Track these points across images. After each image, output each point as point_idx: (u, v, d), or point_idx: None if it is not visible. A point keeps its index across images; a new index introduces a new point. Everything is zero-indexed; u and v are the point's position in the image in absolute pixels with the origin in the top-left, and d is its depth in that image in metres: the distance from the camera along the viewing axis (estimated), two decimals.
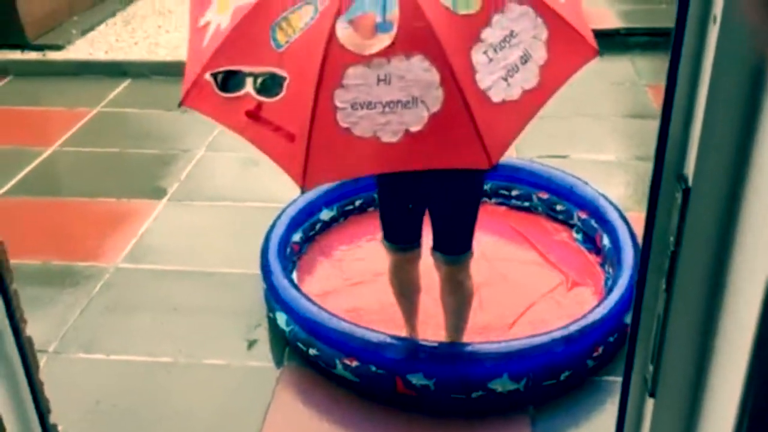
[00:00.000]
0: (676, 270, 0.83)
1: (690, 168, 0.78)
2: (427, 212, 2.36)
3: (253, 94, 1.84)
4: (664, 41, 4.38)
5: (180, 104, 1.96)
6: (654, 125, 0.75)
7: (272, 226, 3.18)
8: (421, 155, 1.82)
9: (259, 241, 3.11)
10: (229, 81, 1.88)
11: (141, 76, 5.52)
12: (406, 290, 2.60)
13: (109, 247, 3.53)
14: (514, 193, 3.55)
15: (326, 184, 3.12)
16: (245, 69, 1.85)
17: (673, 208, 0.80)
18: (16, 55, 5.72)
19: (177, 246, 3.54)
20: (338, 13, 1.74)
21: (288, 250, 3.15)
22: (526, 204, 3.54)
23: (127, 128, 4.80)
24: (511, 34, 1.77)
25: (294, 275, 3.09)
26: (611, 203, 3.21)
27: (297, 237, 3.27)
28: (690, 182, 0.78)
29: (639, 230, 3.05)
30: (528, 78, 1.80)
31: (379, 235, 2.49)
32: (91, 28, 6.28)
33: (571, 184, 3.39)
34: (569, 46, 1.86)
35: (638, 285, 0.91)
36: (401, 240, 2.44)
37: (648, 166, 0.89)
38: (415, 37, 1.72)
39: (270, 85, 1.82)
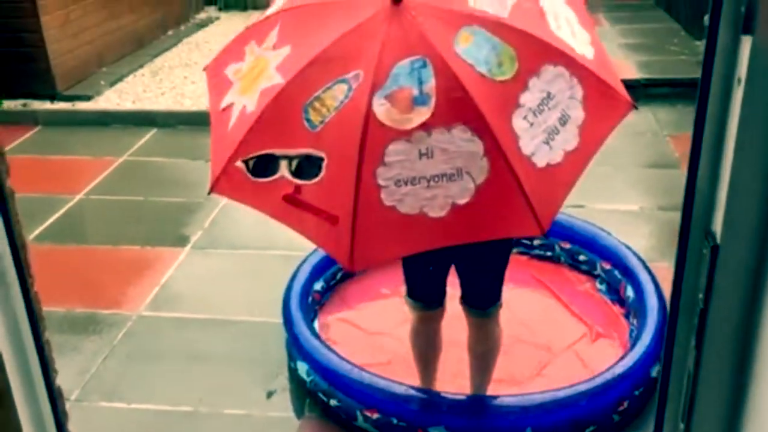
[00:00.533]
0: (706, 327, 0.83)
1: (718, 225, 0.78)
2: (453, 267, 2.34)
3: (289, 178, 1.77)
4: (684, 92, 4.42)
5: (210, 192, 1.91)
6: (675, 175, 0.75)
7: (294, 275, 3.19)
8: (471, 227, 1.76)
9: (281, 289, 3.12)
10: (262, 166, 1.81)
11: (167, 126, 5.63)
12: (427, 350, 2.56)
13: (133, 295, 3.55)
14: (536, 242, 3.54)
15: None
16: (278, 152, 1.78)
17: (702, 264, 0.80)
18: (46, 105, 5.87)
19: (199, 294, 3.56)
20: (373, 90, 1.68)
21: (310, 299, 3.15)
22: (549, 254, 3.53)
23: (152, 176, 4.87)
24: (549, 96, 1.73)
25: (315, 324, 3.09)
26: (635, 254, 3.19)
27: (318, 286, 3.27)
28: (718, 239, 0.78)
29: (663, 281, 3.01)
30: (568, 139, 1.76)
31: (402, 287, 2.48)
32: (120, 79, 6.44)
33: (594, 234, 3.38)
34: (605, 103, 1.83)
35: (667, 342, 0.90)
36: (425, 299, 2.42)
37: (671, 216, 0.89)
38: (455, 107, 1.67)
39: (306, 167, 1.75)
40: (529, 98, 1.72)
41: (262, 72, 1.85)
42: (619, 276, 3.18)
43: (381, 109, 1.68)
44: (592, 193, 4.28)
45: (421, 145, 1.67)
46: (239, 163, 1.82)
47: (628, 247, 3.25)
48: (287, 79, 1.78)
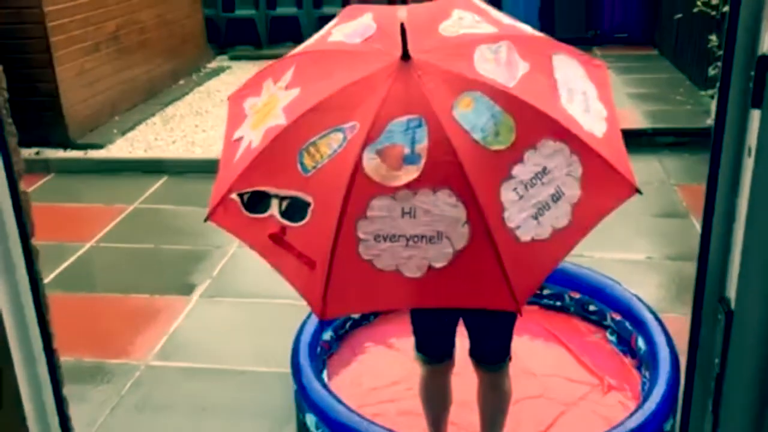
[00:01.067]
0: (723, 392, 0.83)
1: (732, 291, 0.79)
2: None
3: (277, 217, 1.78)
4: (690, 141, 4.44)
5: (206, 219, 1.93)
6: (684, 224, 0.76)
7: (303, 324, 3.17)
8: (445, 293, 1.75)
9: (289, 338, 3.11)
10: (255, 201, 1.83)
11: (177, 174, 5.69)
12: (437, 403, 2.53)
13: (141, 344, 3.55)
14: (545, 292, 3.53)
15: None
16: (271, 191, 1.80)
17: (717, 330, 0.80)
18: (59, 153, 5.96)
19: (208, 343, 3.55)
20: (366, 143, 1.69)
21: (318, 348, 3.13)
22: (558, 303, 3.51)
23: (162, 224, 4.91)
24: (544, 171, 1.70)
25: (324, 375, 3.07)
26: (645, 305, 3.17)
27: (327, 335, 3.26)
28: (732, 305, 0.79)
29: (674, 333, 2.99)
30: (559, 217, 1.72)
31: (411, 338, 2.47)
32: (132, 128, 6.54)
33: (603, 284, 3.37)
34: (605, 185, 1.79)
35: (684, 406, 0.90)
36: (434, 352, 2.41)
37: (680, 266, 0.90)
38: (443, 171, 1.66)
39: (295, 209, 1.77)
40: (522, 171, 1.69)
41: (271, 110, 1.88)
42: (629, 327, 3.16)
43: (371, 163, 1.69)
44: (600, 241, 4.26)
45: (404, 204, 1.67)
46: (235, 196, 1.84)
47: (639, 298, 3.23)
48: (289, 122, 1.80)
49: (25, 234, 0.95)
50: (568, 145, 1.73)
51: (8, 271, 0.97)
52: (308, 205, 1.75)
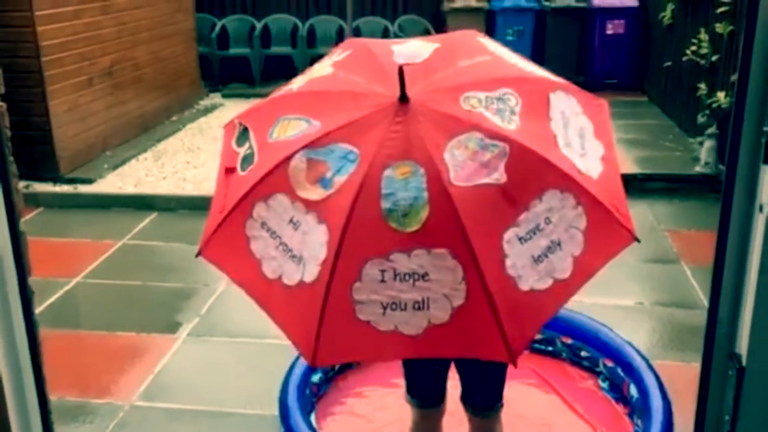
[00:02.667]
0: None
1: (743, 347, 0.78)
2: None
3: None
4: (679, 187, 4.48)
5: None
6: (675, 270, 0.75)
7: (292, 366, 3.13)
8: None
9: (277, 379, 3.06)
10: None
11: (167, 210, 5.66)
12: None
13: (125, 384, 3.48)
14: (537, 336, 3.50)
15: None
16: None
17: (728, 386, 0.79)
18: (48, 187, 5.92)
19: (194, 384, 3.49)
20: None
21: (307, 390, 3.08)
22: (550, 349, 3.48)
23: (150, 261, 4.86)
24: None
25: (313, 418, 3.01)
26: (638, 351, 3.15)
27: (316, 377, 3.21)
28: (744, 361, 0.77)
29: (667, 380, 2.97)
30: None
31: (402, 382, 2.44)
32: (123, 163, 6.52)
33: (595, 330, 3.35)
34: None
35: None
36: (425, 397, 2.37)
37: (671, 313, 0.88)
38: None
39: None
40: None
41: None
42: (622, 374, 3.13)
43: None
44: (591, 286, 4.24)
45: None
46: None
47: (631, 345, 3.21)
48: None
49: (23, 276, 0.93)
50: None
51: (5, 315, 0.95)
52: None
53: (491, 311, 1.63)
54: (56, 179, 6.01)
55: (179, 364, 3.64)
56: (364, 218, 1.64)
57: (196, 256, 1.91)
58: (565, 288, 1.72)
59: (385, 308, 1.64)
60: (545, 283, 1.68)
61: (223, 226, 1.82)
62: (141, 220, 5.47)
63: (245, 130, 1.92)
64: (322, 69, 2.00)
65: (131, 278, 4.57)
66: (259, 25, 9.60)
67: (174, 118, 8.09)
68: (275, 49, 9.56)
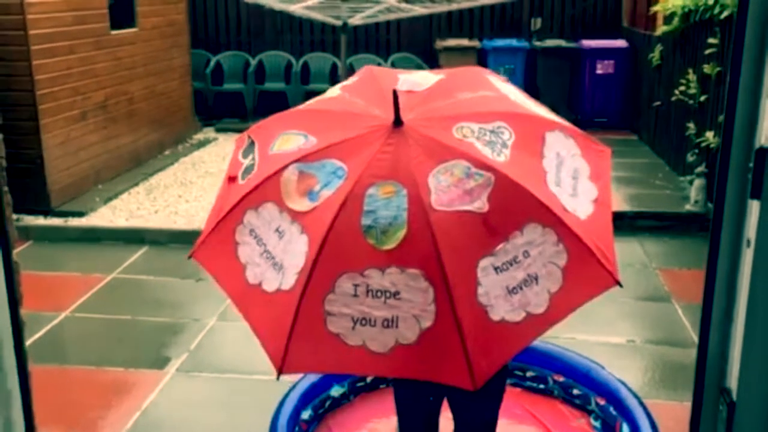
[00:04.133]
0: None
1: (733, 382, 0.78)
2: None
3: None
4: (669, 225, 4.50)
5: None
6: (666, 308, 0.75)
7: (281, 403, 3.09)
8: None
9: (266, 416, 3.02)
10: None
11: (158, 244, 5.64)
12: None
13: (112, 420, 3.42)
14: (528, 374, 3.48)
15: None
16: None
17: (719, 421, 0.78)
18: (39, 220, 5.90)
19: (181, 421, 3.44)
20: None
21: (297, 428, 3.04)
22: (542, 386, 3.46)
23: (140, 295, 4.83)
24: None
25: None
26: (630, 390, 3.14)
27: (306, 415, 3.17)
28: (734, 396, 0.77)
29: (658, 419, 2.94)
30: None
31: (393, 419, 2.42)
32: (115, 197, 6.51)
33: (587, 368, 3.33)
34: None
35: None
36: None
37: (662, 351, 0.88)
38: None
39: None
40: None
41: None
42: (614, 412, 3.11)
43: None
44: (582, 324, 4.26)
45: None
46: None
47: (623, 383, 3.20)
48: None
49: (15, 306, 0.92)
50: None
51: None
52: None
53: (458, 336, 1.64)
54: (47, 212, 5.99)
55: (167, 401, 3.60)
56: (343, 232, 1.68)
57: (188, 257, 1.98)
58: (539, 323, 1.72)
59: (355, 323, 1.67)
60: (518, 316, 1.69)
61: (215, 230, 1.90)
62: (131, 254, 5.44)
63: (252, 143, 2.00)
64: (332, 91, 2.10)
65: (120, 313, 4.53)
66: (253, 62, 9.70)
67: (167, 152, 8.11)
68: (269, 85, 9.65)
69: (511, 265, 1.68)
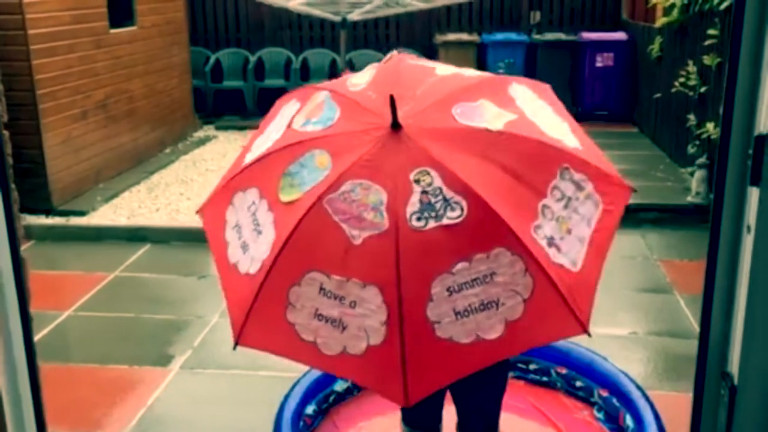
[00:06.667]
0: None
1: (734, 366, 0.78)
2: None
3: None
4: (671, 217, 4.49)
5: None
6: (668, 300, 0.76)
7: (286, 398, 3.10)
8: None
9: (271, 412, 3.03)
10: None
11: (160, 242, 5.65)
12: None
13: (117, 417, 3.44)
14: (531, 367, 3.49)
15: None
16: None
17: (720, 405, 0.79)
18: (40, 219, 5.90)
19: (186, 417, 3.45)
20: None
21: (301, 423, 3.05)
22: (545, 379, 3.46)
23: (143, 293, 4.84)
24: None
25: None
26: (633, 381, 3.14)
27: (310, 410, 3.18)
28: (736, 380, 0.78)
29: (662, 410, 2.96)
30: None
31: (397, 412, 2.43)
32: (116, 195, 6.52)
33: (590, 360, 3.34)
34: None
35: None
36: (420, 425, 2.36)
37: (665, 342, 0.88)
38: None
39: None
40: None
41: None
42: (617, 404, 3.12)
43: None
44: None
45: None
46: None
47: (626, 375, 3.20)
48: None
49: (24, 302, 0.93)
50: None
51: (6, 341, 0.95)
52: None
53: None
54: (49, 211, 6.00)
55: (172, 397, 3.61)
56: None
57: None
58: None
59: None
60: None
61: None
62: (134, 252, 5.45)
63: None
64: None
65: (123, 311, 4.54)
66: (252, 59, 9.70)
67: (167, 150, 8.12)
68: (269, 82, 9.65)
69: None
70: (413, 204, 1.67)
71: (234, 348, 1.83)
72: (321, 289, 1.70)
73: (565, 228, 1.74)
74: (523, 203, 1.71)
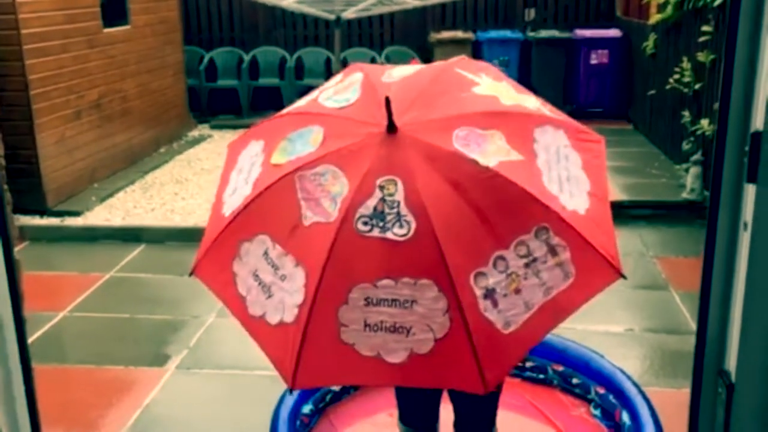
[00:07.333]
0: None
1: (731, 364, 0.78)
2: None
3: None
4: (666, 214, 4.49)
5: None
6: (664, 297, 0.75)
7: (282, 397, 3.10)
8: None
9: (267, 411, 3.02)
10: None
11: (155, 242, 5.63)
12: None
13: (113, 418, 3.43)
14: (528, 364, 3.49)
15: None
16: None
17: (718, 403, 0.79)
18: (35, 220, 5.88)
19: (183, 417, 3.44)
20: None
21: (298, 422, 3.05)
22: (542, 376, 3.47)
23: (138, 293, 4.82)
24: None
25: None
26: (629, 378, 3.15)
27: (307, 409, 3.17)
28: (733, 378, 0.78)
29: (658, 407, 2.96)
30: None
31: (394, 412, 2.42)
32: (111, 195, 6.50)
33: (587, 357, 3.34)
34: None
35: None
36: (417, 424, 2.36)
37: (661, 339, 0.88)
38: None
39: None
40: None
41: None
42: (614, 401, 3.12)
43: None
44: (580, 313, 4.24)
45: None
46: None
47: (623, 371, 3.21)
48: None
49: (17, 303, 0.93)
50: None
51: (0, 344, 0.94)
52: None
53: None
54: (43, 212, 5.98)
55: (168, 398, 3.60)
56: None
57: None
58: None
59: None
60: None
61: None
62: (129, 252, 5.44)
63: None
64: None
65: (119, 311, 4.52)
66: (247, 58, 9.68)
67: (162, 150, 8.10)
68: (263, 81, 9.63)
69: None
70: (367, 207, 1.67)
71: (190, 275, 1.96)
72: (265, 253, 1.76)
73: (514, 287, 1.67)
74: (476, 246, 1.67)
